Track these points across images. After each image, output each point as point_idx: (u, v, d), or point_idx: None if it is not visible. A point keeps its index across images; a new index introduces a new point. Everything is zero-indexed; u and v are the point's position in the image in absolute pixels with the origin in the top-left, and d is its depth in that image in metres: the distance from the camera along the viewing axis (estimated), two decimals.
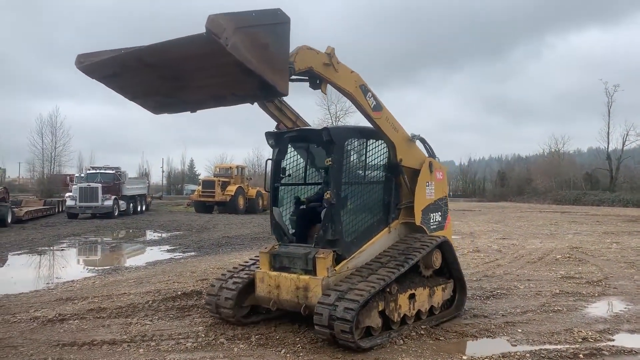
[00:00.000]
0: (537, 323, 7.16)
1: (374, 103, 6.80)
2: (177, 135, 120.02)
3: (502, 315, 7.51)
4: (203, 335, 6.54)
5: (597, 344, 6.19)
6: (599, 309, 8.07)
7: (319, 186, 7.75)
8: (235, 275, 7.27)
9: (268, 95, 5.87)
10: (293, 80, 6.05)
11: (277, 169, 7.27)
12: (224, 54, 4.57)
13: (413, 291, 6.75)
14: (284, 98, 7.11)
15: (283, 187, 7.55)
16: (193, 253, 16.11)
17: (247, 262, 7.73)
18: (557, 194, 58.84)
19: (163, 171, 78.17)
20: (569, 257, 13.20)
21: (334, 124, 54.63)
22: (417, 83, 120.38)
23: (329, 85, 6.26)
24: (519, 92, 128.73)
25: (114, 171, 33.10)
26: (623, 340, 6.44)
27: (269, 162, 7.34)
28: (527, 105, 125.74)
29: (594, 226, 24.74)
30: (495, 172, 78.21)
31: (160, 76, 5.54)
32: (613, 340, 6.43)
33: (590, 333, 6.60)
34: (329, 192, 6.48)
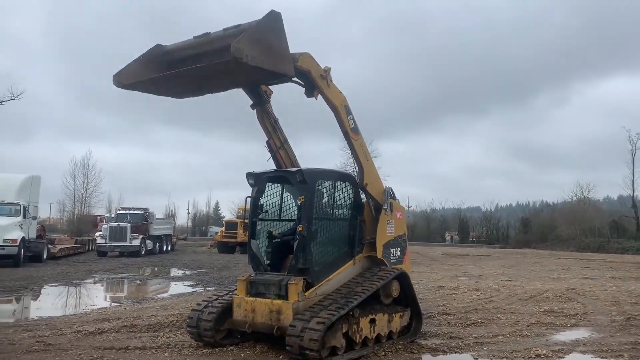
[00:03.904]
0: (502, 344, 8.27)
1: (353, 125, 8.24)
2: (203, 178, 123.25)
3: (475, 338, 8.63)
4: (223, 344, 7.81)
5: (546, 359, 7.28)
6: (564, 336, 9.10)
7: (293, 222, 8.53)
8: (216, 301, 8.02)
9: (278, 79, 7.45)
10: (293, 82, 7.76)
11: (256, 205, 8.19)
12: (246, 66, 6.35)
13: (374, 316, 7.60)
14: (280, 123, 8.73)
15: (261, 222, 8.45)
16: (214, 288, 17.40)
17: (229, 288, 8.54)
18: (580, 241, 58.63)
19: (189, 213, 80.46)
20: (560, 296, 14.09)
21: (356, 168, 56.30)
22: (440, 129, 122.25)
23: None
24: (546, 139, 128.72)
25: (142, 212, 34.92)
26: (571, 358, 7.54)
27: (248, 199, 8.23)
28: (554, 152, 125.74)
29: (604, 272, 25.18)
30: (519, 219, 78.09)
31: (190, 81, 7.36)
32: (562, 357, 7.51)
33: (545, 352, 7.69)
34: (301, 225, 7.42)
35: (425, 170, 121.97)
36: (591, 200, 71.63)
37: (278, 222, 8.81)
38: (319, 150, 75.53)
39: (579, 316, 10.92)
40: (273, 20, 6.70)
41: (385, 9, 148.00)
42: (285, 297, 7.28)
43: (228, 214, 74.48)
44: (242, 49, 6.11)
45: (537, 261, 33.85)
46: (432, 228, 77.03)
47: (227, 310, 7.84)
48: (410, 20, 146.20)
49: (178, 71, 7.08)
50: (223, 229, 39.31)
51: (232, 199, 70.84)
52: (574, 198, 72.43)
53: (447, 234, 79.56)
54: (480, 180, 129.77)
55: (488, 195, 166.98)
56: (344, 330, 7.15)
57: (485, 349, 7.94)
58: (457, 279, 20.11)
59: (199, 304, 8.09)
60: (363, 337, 7.46)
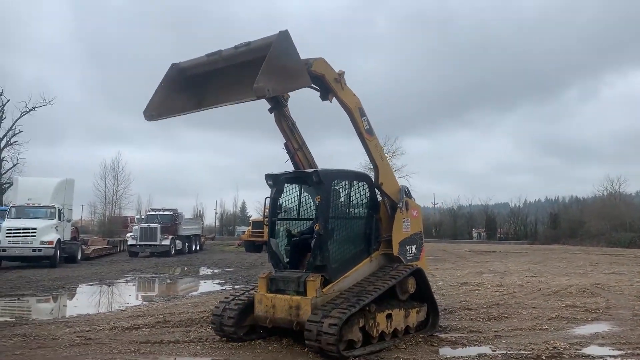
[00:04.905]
0: (521, 337, 8.48)
1: (368, 126, 8.48)
2: (230, 179, 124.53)
3: (495, 332, 8.84)
4: (247, 339, 8.22)
5: (564, 351, 7.49)
6: (584, 330, 9.23)
7: (312, 221, 8.69)
8: (237, 298, 8.34)
9: (296, 89, 7.70)
10: (308, 87, 7.93)
11: (275, 205, 8.47)
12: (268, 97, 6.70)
13: (390, 311, 7.81)
14: (298, 126, 8.98)
15: (280, 221, 8.73)
16: (242, 286, 17.83)
17: (247, 287, 9.03)
18: (610, 236, 57.62)
19: (216, 213, 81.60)
20: (584, 291, 14.09)
21: None
22: (467, 125, 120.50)
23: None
24: (575, 133, 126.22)
25: (171, 212, 35.74)
26: (589, 350, 7.70)
27: (267, 199, 8.54)
28: (584, 146, 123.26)
29: (633, 267, 24.81)
30: (548, 214, 76.87)
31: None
32: (580, 350, 7.69)
33: (562, 344, 7.87)
34: (318, 224, 7.70)
35: (452, 167, 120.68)
36: (622, 194, 70.34)
37: (297, 221, 9.08)
38: (343, 150, 75.68)
39: (601, 310, 11.01)
40: (284, 42, 6.80)
41: (408, 5, 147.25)
42: (303, 293, 7.56)
43: (255, 214, 75.27)
44: (263, 87, 6.29)
45: (564, 257, 33.45)
46: (459, 225, 76.43)
47: (245, 309, 8.13)
48: (435, 15, 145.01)
49: (206, 108, 7.54)
50: (250, 228, 39.89)
51: (258, 199, 71.43)
52: (605, 192, 71.22)
53: (474, 230, 78.85)
54: (508, 176, 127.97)
55: (516, 191, 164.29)
56: (361, 325, 7.40)
57: (504, 341, 8.16)
58: (481, 275, 20.17)
59: (217, 307, 8.36)
60: (380, 332, 7.71)
